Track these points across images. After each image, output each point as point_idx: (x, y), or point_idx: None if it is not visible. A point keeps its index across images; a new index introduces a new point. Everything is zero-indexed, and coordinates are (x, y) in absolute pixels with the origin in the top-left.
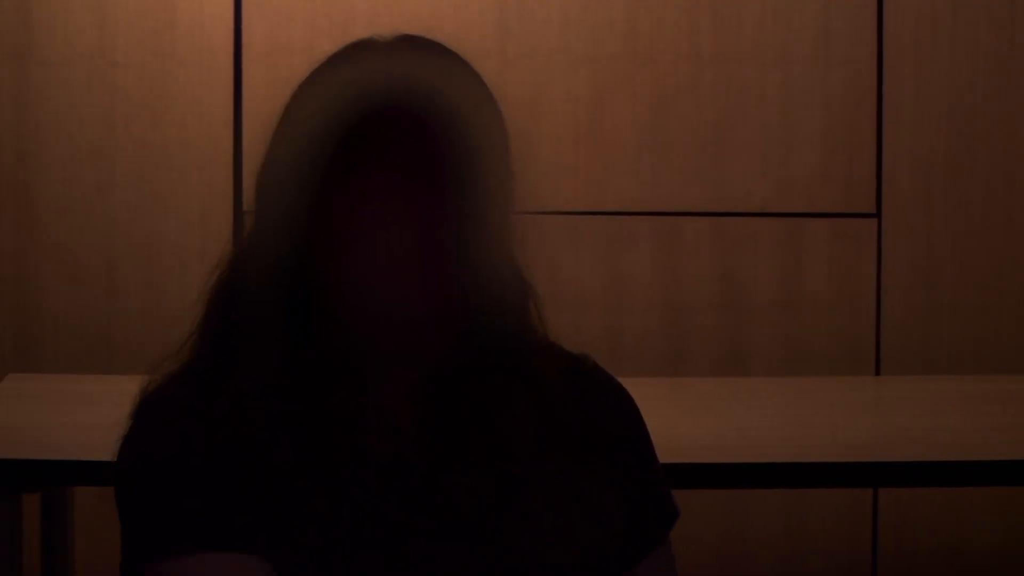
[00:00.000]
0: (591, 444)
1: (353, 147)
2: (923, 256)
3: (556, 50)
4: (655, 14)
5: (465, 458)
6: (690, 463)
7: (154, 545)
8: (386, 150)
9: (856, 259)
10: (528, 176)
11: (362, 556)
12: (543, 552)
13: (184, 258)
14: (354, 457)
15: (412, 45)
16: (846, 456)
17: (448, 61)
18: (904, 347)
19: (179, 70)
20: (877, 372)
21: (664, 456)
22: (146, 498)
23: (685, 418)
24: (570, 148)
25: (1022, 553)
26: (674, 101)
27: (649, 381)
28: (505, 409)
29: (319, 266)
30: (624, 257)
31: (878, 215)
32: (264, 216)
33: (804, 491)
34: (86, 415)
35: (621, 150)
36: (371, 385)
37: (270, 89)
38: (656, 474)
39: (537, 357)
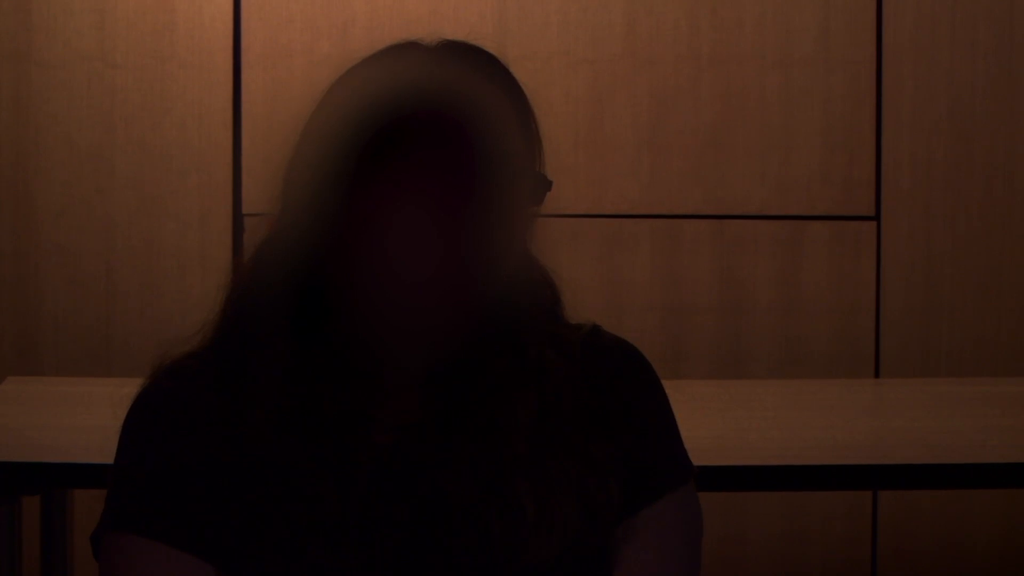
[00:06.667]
0: (596, 420)
1: (383, 144)
2: (923, 258)
3: (555, 52)
4: (655, 16)
5: (462, 447)
6: None
7: (124, 515)
8: (415, 150)
9: (856, 261)
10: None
11: (356, 542)
12: (534, 543)
13: (183, 260)
14: (354, 446)
15: (455, 51)
16: (846, 458)
17: (489, 69)
18: (903, 349)
19: (178, 72)
20: (876, 374)
21: None
22: (132, 469)
23: (684, 420)
24: (569, 150)
25: (1022, 556)
26: (674, 103)
27: None
28: (505, 400)
29: (337, 259)
30: (623, 259)
31: (877, 218)
32: (290, 205)
33: (804, 493)
34: (86, 417)
35: (620, 152)
36: (383, 377)
37: (269, 91)
38: (667, 432)
39: (546, 349)
